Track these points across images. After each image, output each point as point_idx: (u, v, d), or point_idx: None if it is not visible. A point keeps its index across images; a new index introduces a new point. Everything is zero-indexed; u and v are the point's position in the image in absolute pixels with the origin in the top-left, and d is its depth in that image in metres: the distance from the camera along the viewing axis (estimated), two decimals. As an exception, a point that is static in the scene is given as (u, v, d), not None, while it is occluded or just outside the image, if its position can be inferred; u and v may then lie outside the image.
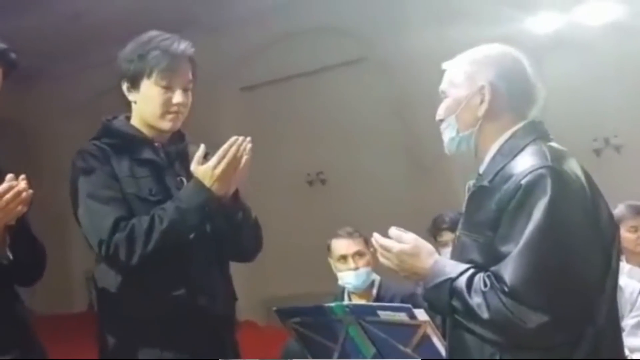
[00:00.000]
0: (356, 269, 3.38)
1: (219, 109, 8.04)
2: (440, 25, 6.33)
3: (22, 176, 1.88)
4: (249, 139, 2.15)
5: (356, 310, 2.48)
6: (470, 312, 1.67)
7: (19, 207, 1.86)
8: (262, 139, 7.71)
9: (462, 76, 1.85)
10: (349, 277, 3.40)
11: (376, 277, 3.49)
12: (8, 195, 1.83)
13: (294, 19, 7.56)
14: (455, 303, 1.69)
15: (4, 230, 1.94)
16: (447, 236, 3.61)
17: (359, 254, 3.41)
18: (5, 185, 1.84)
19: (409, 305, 2.38)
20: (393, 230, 1.85)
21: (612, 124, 6.43)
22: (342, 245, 3.44)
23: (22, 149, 9.27)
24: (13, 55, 2.03)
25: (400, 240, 1.83)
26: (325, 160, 7.70)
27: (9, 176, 1.86)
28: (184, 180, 2.21)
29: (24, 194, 1.85)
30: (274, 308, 2.71)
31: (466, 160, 1.93)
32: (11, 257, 1.98)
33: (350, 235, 3.44)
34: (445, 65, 1.91)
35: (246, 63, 8.15)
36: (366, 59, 7.40)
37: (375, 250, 1.91)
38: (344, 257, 3.42)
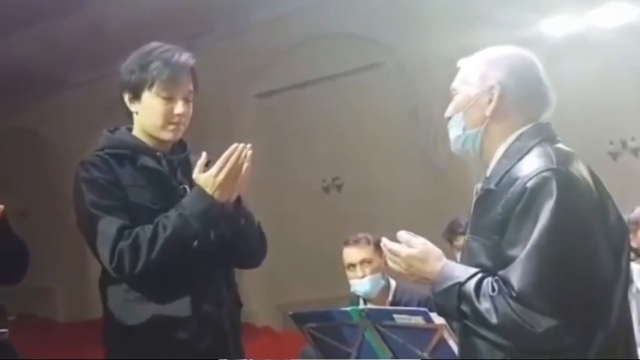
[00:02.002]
0: (363, 277, 3.39)
1: (236, 115, 8.09)
2: (457, 30, 6.33)
3: None
4: (249, 145, 2.16)
5: (372, 314, 2.48)
6: (479, 317, 1.66)
7: None
8: (278, 145, 7.75)
9: (474, 74, 1.85)
10: (358, 285, 3.42)
11: (392, 282, 3.50)
12: None
13: (309, 26, 7.58)
14: (464, 308, 1.69)
15: None
16: (463, 240, 3.60)
17: (366, 262, 3.40)
18: None
19: (425, 309, 2.38)
20: (402, 234, 1.85)
21: (629, 127, 6.38)
22: (349, 253, 3.45)
23: (42, 157, 9.37)
24: None
25: (409, 245, 1.83)
26: (341, 165, 7.70)
27: None
28: (187, 188, 2.23)
29: None
30: (290, 313, 2.72)
31: (482, 163, 1.94)
32: None
33: (357, 242, 3.44)
34: (460, 62, 1.92)
35: (262, 69, 8.18)
36: (383, 63, 7.41)
37: None
38: (352, 265, 3.43)
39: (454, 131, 1.88)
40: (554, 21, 6.30)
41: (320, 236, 7.16)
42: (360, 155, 7.48)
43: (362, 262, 3.40)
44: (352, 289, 3.47)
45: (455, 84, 1.90)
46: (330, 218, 7.40)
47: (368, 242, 3.42)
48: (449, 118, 1.90)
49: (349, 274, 3.46)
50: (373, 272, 3.39)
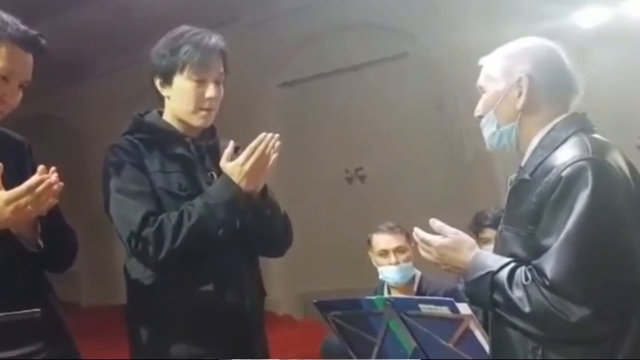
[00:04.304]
0: (397, 264, 3.42)
1: (259, 105, 8.08)
2: (483, 21, 6.26)
3: (53, 168, 1.89)
4: (277, 135, 2.14)
5: (397, 303, 2.46)
6: (511, 306, 1.66)
7: (50, 200, 1.87)
8: (302, 134, 7.74)
9: (499, 70, 1.85)
10: (390, 272, 3.43)
11: (417, 273, 3.49)
12: (40, 188, 1.84)
13: (333, 16, 7.55)
14: (497, 297, 1.69)
15: (35, 220, 1.97)
16: (489, 233, 3.57)
17: (400, 249, 3.44)
18: (36, 177, 1.85)
19: (452, 299, 2.34)
20: (435, 222, 1.85)
21: (659, 121, 6.28)
22: (383, 240, 3.47)
23: (66, 145, 9.46)
24: (43, 42, 2.06)
25: (442, 233, 1.83)
26: (365, 156, 7.67)
27: (40, 168, 1.87)
28: (215, 175, 2.22)
29: (55, 187, 1.86)
30: (314, 300, 2.70)
31: (507, 154, 1.92)
32: (42, 245, 2.01)
33: (391, 230, 3.47)
34: (481, 61, 1.92)
35: (286, 59, 8.17)
36: (407, 54, 7.35)
37: (416, 244, 1.91)
38: (385, 252, 3.45)
39: (488, 129, 1.87)
40: (584, 13, 6.20)
41: (343, 227, 7.15)
42: (383, 146, 7.44)
43: (397, 249, 3.44)
44: (382, 276, 3.48)
45: (481, 81, 1.90)
46: (353, 209, 7.38)
47: (401, 231, 3.46)
48: (480, 117, 1.89)
49: (380, 260, 3.47)
50: (406, 260, 3.42)
